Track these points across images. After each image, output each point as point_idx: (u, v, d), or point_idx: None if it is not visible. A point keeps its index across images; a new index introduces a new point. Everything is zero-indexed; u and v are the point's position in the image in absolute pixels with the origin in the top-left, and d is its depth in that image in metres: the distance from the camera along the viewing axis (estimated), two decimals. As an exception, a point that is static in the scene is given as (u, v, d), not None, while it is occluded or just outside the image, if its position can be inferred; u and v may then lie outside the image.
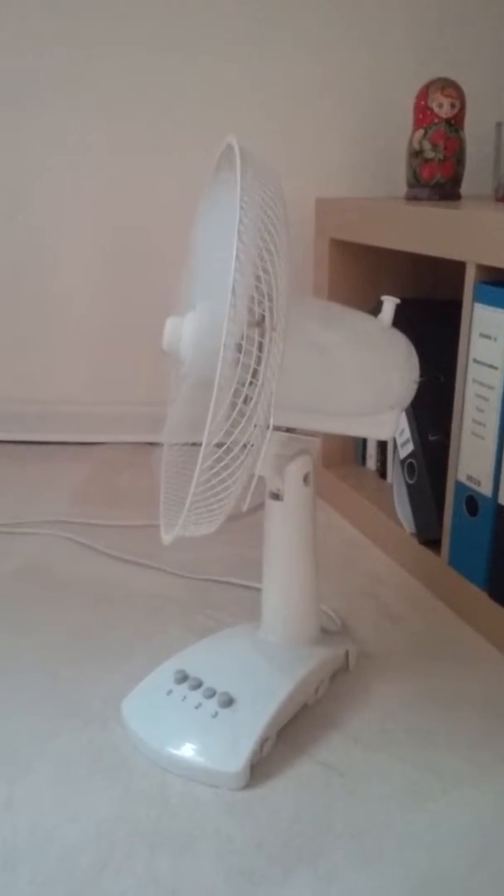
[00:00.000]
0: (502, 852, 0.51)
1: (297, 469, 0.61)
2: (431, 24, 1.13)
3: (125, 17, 1.12)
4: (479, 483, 0.74)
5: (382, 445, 1.03)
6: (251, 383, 0.48)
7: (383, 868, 0.50)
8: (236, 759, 0.56)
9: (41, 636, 0.74)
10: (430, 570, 0.83)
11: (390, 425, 0.64)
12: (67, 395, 1.27)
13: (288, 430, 0.60)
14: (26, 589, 0.83)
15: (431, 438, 0.85)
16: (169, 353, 0.54)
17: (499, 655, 0.73)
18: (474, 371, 0.74)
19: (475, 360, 0.73)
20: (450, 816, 0.54)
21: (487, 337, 0.71)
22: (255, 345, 0.47)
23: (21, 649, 0.72)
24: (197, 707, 0.59)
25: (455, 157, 0.92)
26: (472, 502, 0.76)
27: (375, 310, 0.63)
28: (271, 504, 0.62)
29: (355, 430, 0.64)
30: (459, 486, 0.77)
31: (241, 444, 0.48)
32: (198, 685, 0.61)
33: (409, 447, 0.87)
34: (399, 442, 0.90)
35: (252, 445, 0.49)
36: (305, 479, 0.61)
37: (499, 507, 0.72)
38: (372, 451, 1.06)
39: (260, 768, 0.58)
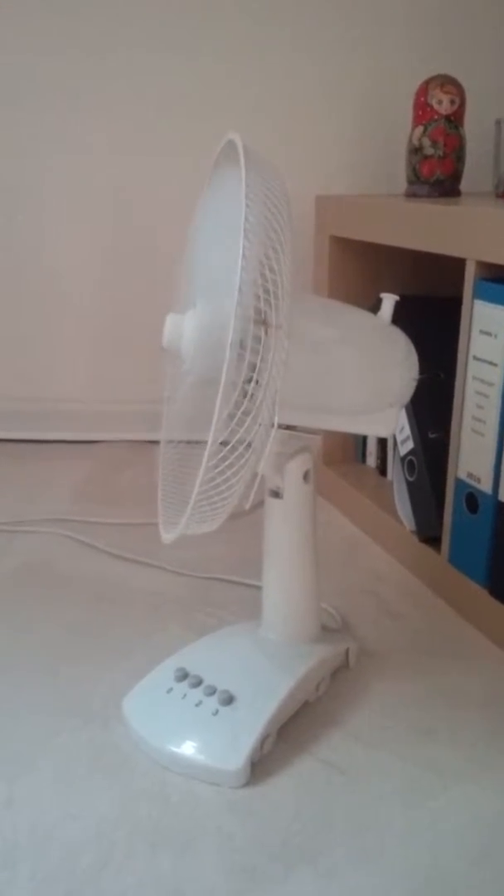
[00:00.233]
0: (503, 849, 0.51)
1: (297, 467, 0.61)
2: (431, 21, 1.13)
3: (125, 17, 1.12)
4: (479, 480, 0.74)
5: (382, 443, 1.03)
6: (255, 382, 0.48)
7: (384, 866, 0.50)
8: (237, 757, 0.56)
9: (42, 634, 0.74)
10: (430, 568, 0.83)
11: (390, 423, 0.64)
12: (68, 393, 1.27)
13: (288, 427, 0.60)
14: (27, 587, 0.83)
15: (431, 436, 0.85)
16: (169, 351, 0.54)
17: (499, 652, 0.73)
18: (474, 368, 0.73)
19: (475, 357, 0.73)
20: (451, 814, 0.54)
21: (488, 334, 0.71)
22: (262, 343, 0.47)
23: (21, 647, 0.72)
24: (197, 705, 0.59)
25: (455, 154, 0.92)
26: (472, 499, 0.76)
27: (375, 307, 0.63)
28: (271, 502, 0.62)
29: (355, 427, 0.64)
30: (459, 484, 0.77)
31: (245, 442, 0.48)
32: (198, 683, 0.61)
33: (410, 444, 0.87)
34: (399, 439, 0.90)
35: (256, 444, 0.49)
36: (305, 476, 0.61)
37: (499, 504, 0.72)
38: (372, 448, 1.06)
39: (260, 766, 0.58)
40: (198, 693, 0.60)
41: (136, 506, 0.99)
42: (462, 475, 0.77)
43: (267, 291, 0.47)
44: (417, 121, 0.92)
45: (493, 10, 1.13)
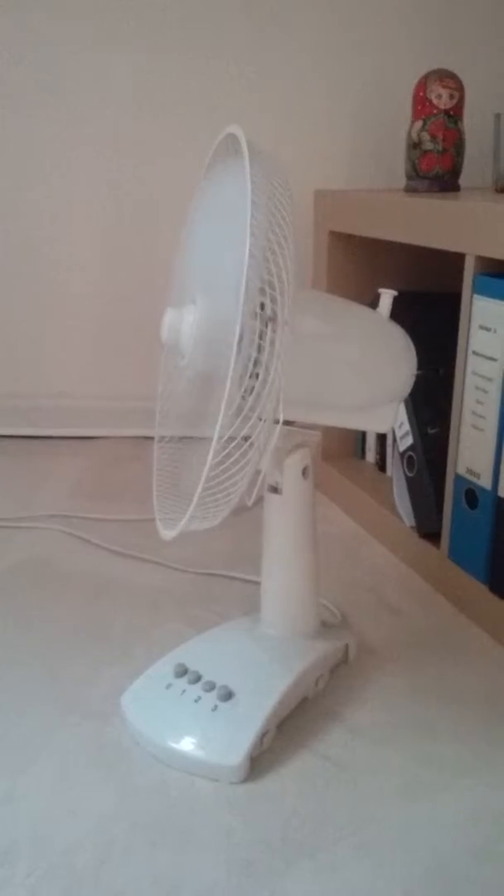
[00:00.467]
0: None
1: (295, 462, 0.60)
2: (430, 16, 1.13)
3: (125, 16, 1.11)
4: (478, 476, 0.74)
5: (382, 439, 1.03)
6: (258, 377, 0.47)
7: (384, 861, 0.50)
8: (236, 753, 0.56)
9: (41, 630, 0.74)
10: (429, 564, 0.83)
11: (389, 418, 0.64)
12: (67, 389, 1.27)
13: (286, 423, 0.60)
14: (26, 583, 0.83)
15: (431, 431, 0.85)
16: (168, 346, 0.54)
17: (498, 648, 0.73)
18: (474, 363, 0.73)
19: (474, 352, 0.73)
20: (450, 809, 0.54)
21: (487, 329, 0.71)
22: (268, 340, 0.47)
23: (21, 644, 0.72)
24: (196, 701, 0.59)
25: (454, 149, 0.92)
26: (471, 495, 0.75)
27: (373, 302, 0.63)
28: (270, 498, 0.62)
29: (354, 423, 0.64)
30: (459, 479, 0.77)
31: (250, 438, 0.48)
32: (197, 679, 0.61)
33: (409, 440, 0.87)
34: (398, 435, 0.90)
35: (259, 440, 0.48)
36: (304, 472, 0.61)
37: (498, 499, 0.72)
38: (371, 444, 1.06)
39: (260, 761, 0.58)
40: (197, 689, 0.60)
41: (136, 502, 0.99)
42: (461, 471, 0.77)
43: (273, 287, 0.47)
44: (416, 115, 0.92)
45: (492, 5, 1.13)
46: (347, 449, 1.08)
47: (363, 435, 1.07)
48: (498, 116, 0.91)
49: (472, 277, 0.72)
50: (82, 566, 0.86)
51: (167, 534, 0.55)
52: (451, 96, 0.90)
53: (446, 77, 0.90)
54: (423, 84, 0.91)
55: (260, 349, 0.47)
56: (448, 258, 0.76)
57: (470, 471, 0.75)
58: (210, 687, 0.60)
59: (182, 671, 0.62)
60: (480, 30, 1.14)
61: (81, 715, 0.63)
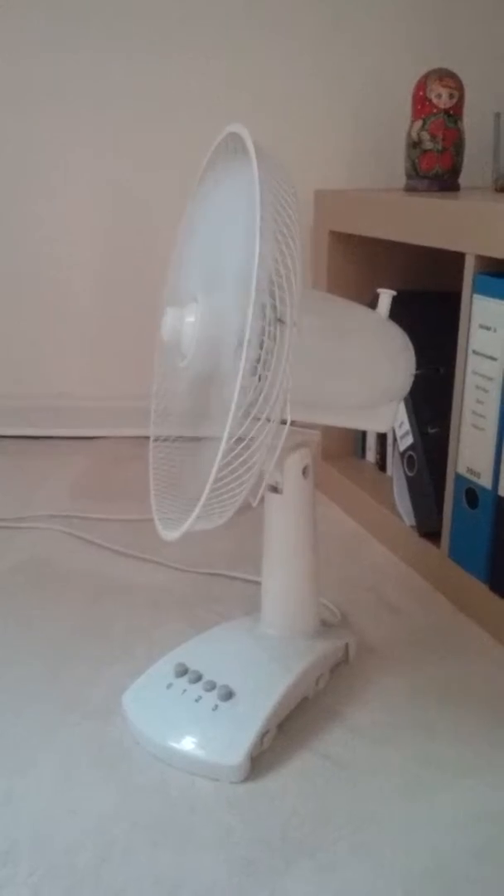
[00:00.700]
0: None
1: (295, 462, 0.60)
2: (430, 15, 1.13)
3: (125, 16, 1.11)
4: (478, 475, 0.74)
5: (382, 438, 1.03)
6: (264, 378, 0.47)
7: (384, 860, 0.50)
8: (236, 752, 0.56)
9: (42, 630, 0.74)
10: (430, 563, 0.83)
11: (388, 417, 0.64)
12: (67, 389, 1.27)
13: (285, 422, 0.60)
14: (26, 583, 0.83)
15: (431, 431, 0.85)
16: (169, 345, 0.54)
17: (499, 647, 0.73)
18: (474, 362, 0.73)
19: (475, 352, 0.73)
20: (451, 808, 0.54)
21: (487, 328, 0.71)
22: (277, 341, 0.47)
23: (21, 643, 0.72)
24: (197, 700, 0.59)
25: (454, 148, 0.92)
26: (471, 494, 0.75)
27: (372, 302, 0.63)
28: (271, 497, 0.62)
29: (353, 422, 0.64)
30: (459, 479, 0.77)
31: (258, 439, 0.48)
32: (198, 678, 0.61)
33: (409, 440, 0.87)
34: (398, 434, 0.90)
35: (266, 440, 0.48)
36: (304, 471, 0.61)
37: (499, 499, 0.72)
38: (371, 443, 1.06)
39: (260, 761, 0.58)
40: (197, 688, 0.60)
41: (136, 502, 0.99)
42: (462, 470, 0.77)
43: (282, 289, 0.47)
44: (416, 115, 0.92)
45: (492, 4, 1.13)
46: (347, 448, 1.08)
47: (363, 434, 1.07)
48: (497, 116, 0.91)
49: (472, 277, 0.72)
50: (83, 566, 0.86)
51: (169, 534, 0.55)
52: (451, 96, 0.90)
53: (446, 76, 0.90)
54: (422, 83, 0.91)
55: (267, 350, 0.47)
56: (448, 257, 0.76)
57: (470, 470, 0.75)
58: (210, 686, 0.60)
59: (183, 671, 0.62)
60: (480, 29, 1.14)
61: (82, 714, 0.63)
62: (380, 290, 0.63)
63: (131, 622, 0.75)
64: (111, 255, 1.21)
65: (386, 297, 0.63)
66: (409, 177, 0.95)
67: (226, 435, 0.46)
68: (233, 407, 0.46)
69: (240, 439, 0.48)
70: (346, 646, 0.69)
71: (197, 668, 0.62)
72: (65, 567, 0.86)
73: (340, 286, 0.98)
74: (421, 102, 0.91)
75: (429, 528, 0.84)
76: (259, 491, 0.58)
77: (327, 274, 0.99)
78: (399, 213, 0.83)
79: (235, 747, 0.56)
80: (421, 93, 0.91)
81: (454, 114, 0.91)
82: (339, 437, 1.07)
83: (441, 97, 0.90)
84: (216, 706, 0.58)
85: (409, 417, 0.87)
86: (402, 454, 0.89)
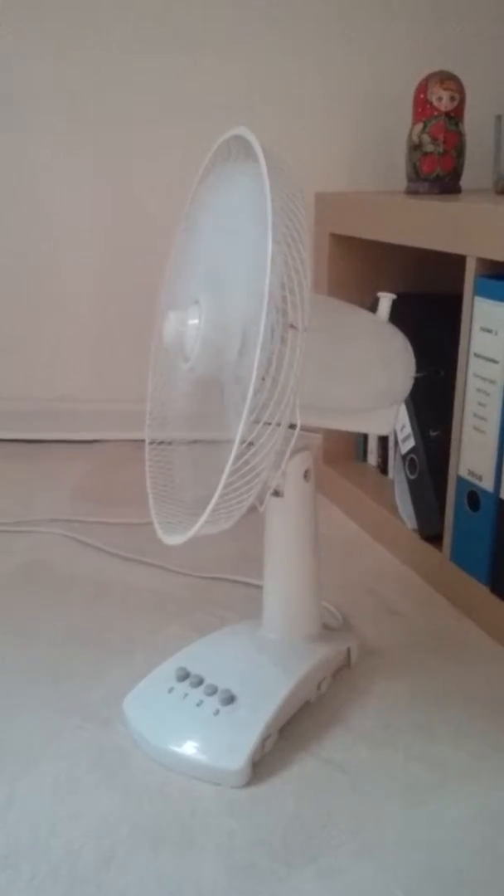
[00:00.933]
0: (505, 848, 0.51)
1: (297, 465, 0.60)
2: (431, 17, 1.13)
3: (125, 17, 1.12)
4: (480, 478, 0.74)
5: (383, 441, 1.03)
6: (279, 385, 0.47)
7: (385, 864, 0.50)
8: (238, 757, 0.56)
9: (43, 634, 0.74)
10: (431, 566, 0.83)
11: (389, 420, 0.64)
12: (67, 392, 1.27)
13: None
14: (27, 587, 0.83)
15: (432, 433, 0.85)
16: (172, 348, 0.54)
17: (501, 650, 0.72)
18: (475, 365, 0.73)
19: (476, 355, 0.73)
20: (452, 811, 0.54)
21: (488, 331, 0.71)
22: (288, 346, 0.47)
23: (22, 647, 0.72)
24: (198, 705, 0.59)
25: (455, 151, 0.92)
26: (473, 497, 0.75)
27: (373, 306, 0.63)
28: (272, 500, 0.62)
29: (354, 425, 0.64)
30: (461, 481, 0.77)
31: (268, 444, 0.48)
32: (199, 683, 0.61)
33: (411, 442, 0.87)
34: (400, 437, 0.90)
35: (276, 445, 0.48)
36: (306, 475, 0.61)
37: (500, 501, 0.72)
38: (373, 447, 1.06)
39: (262, 765, 0.57)
40: (199, 693, 0.60)
41: (136, 505, 0.99)
42: (463, 473, 0.76)
43: (293, 294, 0.47)
44: (417, 117, 0.92)
45: (493, 6, 1.13)
46: (349, 452, 1.08)
47: (364, 437, 1.07)
48: (498, 118, 0.91)
49: (473, 279, 0.72)
50: (83, 570, 0.86)
51: (173, 539, 0.55)
52: (452, 98, 0.90)
53: (447, 79, 0.90)
54: (423, 86, 0.91)
55: (279, 355, 0.47)
56: (449, 260, 0.76)
57: (472, 473, 0.75)
58: (212, 691, 0.60)
59: (184, 675, 0.62)
60: (481, 32, 1.14)
61: (83, 718, 0.63)
62: (380, 294, 0.63)
63: (132, 626, 0.75)
64: (112, 258, 1.21)
65: (386, 300, 0.63)
66: (410, 179, 0.95)
67: (237, 439, 0.46)
68: (245, 411, 0.46)
69: (248, 443, 0.48)
70: (348, 649, 0.69)
71: (198, 672, 0.62)
72: (66, 571, 0.86)
73: (341, 289, 0.98)
74: (422, 105, 0.91)
75: (430, 531, 0.84)
76: (266, 495, 0.58)
77: (328, 277, 0.99)
78: (400, 216, 0.83)
79: (237, 752, 0.56)
80: (422, 95, 0.91)
81: (455, 116, 0.91)
82: (341, 440, 1.07)
83: (442, 100, 0.90)
84: (217, 710, 0.58)
85: (411, 420, 0.87)
86: (404, 457, 0.89)
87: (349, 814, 0.54)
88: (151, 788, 0.56)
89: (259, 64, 1.14)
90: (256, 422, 0.47)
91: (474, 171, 0.98)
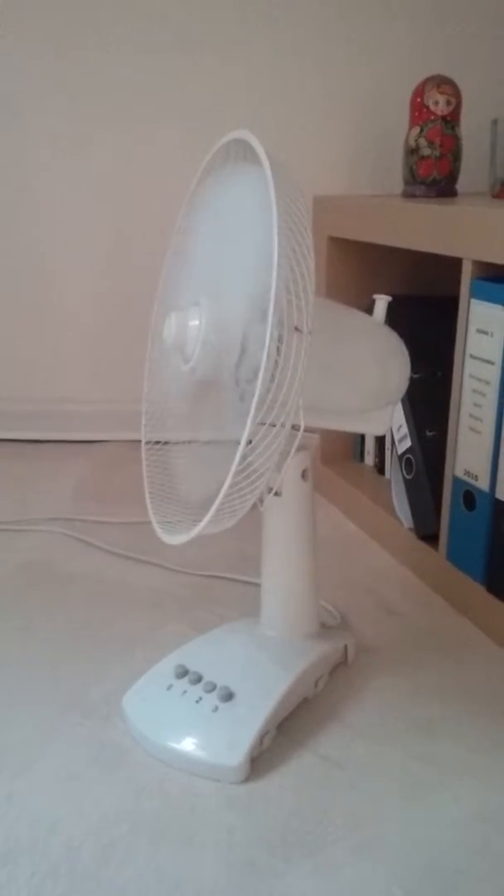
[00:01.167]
0: (502, 844, 0.52)
1: (295, 465, 0.61)
2: (428, 22, 1.14)
3: (125, 18, 1.12)
4: (476, 478, 0.75)
5: (380, 441, 1.03)
6: (284, 388, 0.48)
7: (384, 860, 0.51)
8: (236, 753, 0.56)
9: (43, 632, 0.75)
10: (428, 565, 0.84)
11: (384, 421, 0.64)
12: (67, 393, 1.28)
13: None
14: (28, 586, 0.83)
15: (429, 434, 0.86)
16: (173, 348, 0.54)
17: (496, 648, 0.73)
18: (471, 366, 0.74)
19: (472, 356, 0.74)
20: (450, 808, 0.55)
21: (484, 332, 0.72)
22: (293, 349, 0.47)
23: (23, 645, 0.73)
24: (197, 701, 0.60)
25: (451, 154, 0.92)
26: (469, 497, 0.76)
27: (368, 308, 0.64)
28: (270, 500, 0.62)
29: (350, 425, 0.65)
30: (457, 481, 0.78)
31: (272, 445, 0.48)
32: (198, 680, 0.61)
33: (407, 443, 0.88)
34: (397, 437, 0.90)
35: (280, 446, 0.49)
36: (304, 474, 0.62)
37: (496, 501, 0.73)
38: (370, 447, 1.06)
39: (260, 762, 0.58)
40: (198, 690, 0.60)
41: (136, 505, 0.99)
42: (459, 473, 0.77)
43: (299, 297, 0.47)
44: (414, 121, 0.93)
45: (490, 10, 1.14)
46: (346, 452, 1.09)
47: (362, 438, 1.08)
48: (495, 122, 0.92)
49: (469, 282, 0.73)
50: (84, 568, 0.87)
51: (174, 539, 0.55)
52: (449, 102, 0.91)
53: (444, 83, 0.91)
54: (420, 90, 0.92)
55: (285, 357, 0.47)
56: (446, 263, 0.76)
57: (468, 473, 0.76)
58: (211, 688, 0.60)
59: (183, 672, 0.62)
60: (478, 36, 1.14)
61: (83, 715, 0.63)
62: (376, 296, 0.63)
63: (132, 624, 0.76)
64: (112, 258, 1.22)
65: (382, 302, 0.63)
66: (406, 183, 0.95)
67: (243, 440, 0.47)
68: (251, 413, 0.46)
69: (250, 443, 0.48)
70: (346, 647, 0.69)
71: (197, 669, 0.62)
72: (66, 569, 0.87)
73: (339, 291, 0.99)
74: (419, 109, 0.92)
75: (427, 531, 0.85)
76: (269, 495, 0.59)
77: (326, 279, 1.00)
78: (397, 219, 0.83)
79: (235, 748, 0.56)
80: (419, 99, 0.92)
81: (451, 120, 0.91)
82: (338, 440, 1.08)
83: (438, 104, 0.90)
84: (216, 707, 0.59)
85: (408, 421, 0.88)
86: (401, 457, 0.90)
87: (347, 810, 0.54)
88: (151, 785, 0.56)
89: (258, 65, 1.14)
90: (262, 423, 0.48)
91: (471, 175, 0.98)
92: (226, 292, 0.52)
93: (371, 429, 0.65)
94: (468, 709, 0.65)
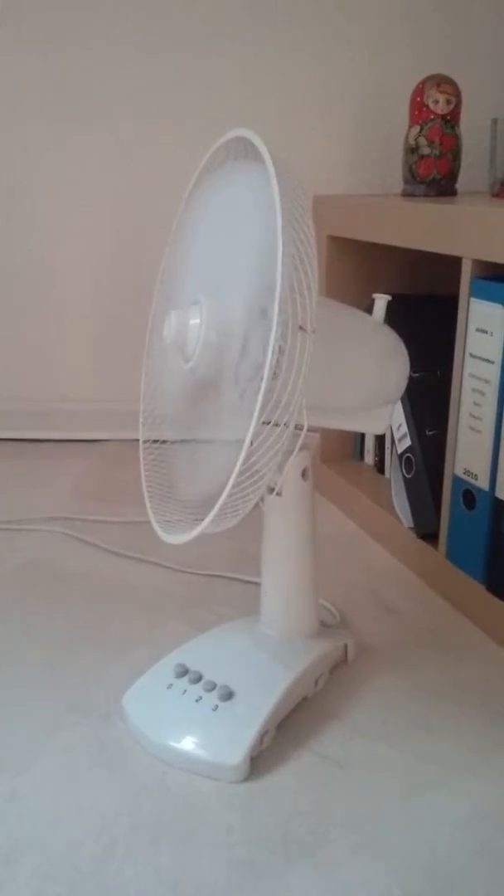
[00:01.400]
0: (502, 842, 0.52)
1: (295, 464, 0.61)
2: (428, 21, 1.14)
3: (125, 18, 1.12)
4: (475, 477, 0.75)
5: (380, 440, 1.04)
6: (289, 387, 0.48)
7: (383, 858, 0.51)
8: (236, 752, 0.56)
9: (43, 631, 0.75)
10: (427, 564, 0.84)
11: (384, 419, 0.64)
12: (69, 392, 1.28)
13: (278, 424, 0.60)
14: (28, 585, 0.83)
15: (429, 433, 0.86)
16: (173, 347, 0.54)
17: (496, 647, 0.73)
18: (470, 365, 0.74)
19: (471, 355, 0.74)
20: (450, 806, 0.55)
21: (483, 331, 0.72)
22: (298, 349, 0.47)
23: (23, 644, 0.73)
24: (197, 700, 0.60)
25: (451, 154, 0.92)
26: (469, 496, 0.76)
27: (368, 307, 0.64)
28: (270, 499, 0.62)
29: (350, 424, 0.65)
30: (456, 480, 0.78)
31: (275, 445, 0.48)
32: (198, 679, 0.61)
33: (407, 442, 0.88)
34: (397, 437, 0.90)
35: (284, 446, 0.49)
36: (304, 474, 0.62)
37: (496, 500, 0.73)
38: (370, 446, 1.06)
39: (260, 761, 0.58)
40: (198, 689, 0.60)
41: (136, 504, 0.99)
42: (459, 472, 0.77)
43: (302, 296, 0.47)
44: (414, 120, 0.93)
45: (490, 10, 1.14)
46: (346, 451, 1.09)
47: (361, 437, 1.08)
48: (495, 121, 0.92)
49: (469, 281, 0.73)
50: (84, 568, 0.87)
51: (177, 538, 0.55)
52: (448, 101, 0.91)
53: (444, 82, 0.91)
54: (420, 89, 0.92)
55: (289, 356, 0.47)
56: (445, 262, 0.76)
57: (467, 472, 0.76)
58: (211, 687, 0.60)
59: (183, 671, 0.62)
60: (478, 36, 1.14)
61: (83, 715, 0.63)
62: (375, 295, 0.63)
63: (131, 623, 0.76)
64: (112, 257, 1.22)
65: (381, 301, 0.63)
66: (406, 182, 0.95)
67: (248, 440, 0.47)
68: (256, 412, 0.46)
69: (251, 443, 0.48)
70: (345, 646, 0.70)
71: (197, 668, 0.62)
72: (66, 568, 0.87)
73: (338, 291, 0.99)
74: (418, 108, 0.92)
75: (427, 530, 0.85)
76: (271, 494, 0.59)
77: (326, 279, 1.00)
78: (397, 218, 0.83)
79: (235, 747, 0.57)
80: (418, 98, 0.92)
81: (451, 119, 0.91)
82: (338, 439, 1.08)
83: (438, 103, 0.90)
84: (216, 706, 0.59)
85: (408, 420, 0.88)
86: (401, 456, 0.90)
87: (347, 809, 0.55)
88: (151, 784, 0.56)
89: (257, 67, 1.14)
90: (266, 423, 0.48)
91: (470, 174, 0.98)
92: (226, 291, 0.52)
93: (371, 428, 0.65)
94: (467, 707, 0.65)
